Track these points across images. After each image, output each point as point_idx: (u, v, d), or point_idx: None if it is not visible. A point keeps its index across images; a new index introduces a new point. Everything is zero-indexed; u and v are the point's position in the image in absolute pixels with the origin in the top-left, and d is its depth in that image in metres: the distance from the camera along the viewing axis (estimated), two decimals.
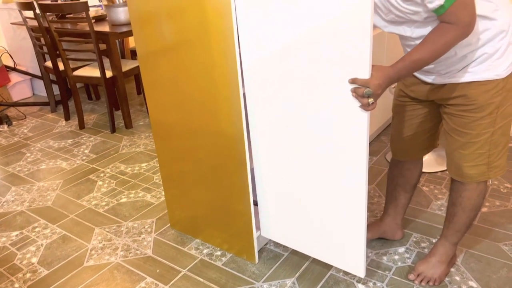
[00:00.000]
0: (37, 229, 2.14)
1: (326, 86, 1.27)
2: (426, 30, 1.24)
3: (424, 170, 2.35)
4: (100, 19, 3.44)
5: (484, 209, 2.02)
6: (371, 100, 1.19)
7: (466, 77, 1.32)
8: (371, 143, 2.69)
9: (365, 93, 1.18)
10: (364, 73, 1.18)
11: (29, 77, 4.10)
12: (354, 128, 1.27)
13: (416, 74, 1.45)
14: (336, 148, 1.35)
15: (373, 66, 1.18)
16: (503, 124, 1.37)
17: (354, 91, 1.21)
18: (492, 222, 1.93)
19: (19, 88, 4.10)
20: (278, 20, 1.28)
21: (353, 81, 1.20)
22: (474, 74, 1.31)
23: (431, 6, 1.14)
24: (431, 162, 2.41)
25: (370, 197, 2.17)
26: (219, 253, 1.87)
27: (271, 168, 1.57)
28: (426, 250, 1.80)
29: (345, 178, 1.38)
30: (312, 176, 1.46)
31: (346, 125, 1.29)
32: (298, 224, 1.61)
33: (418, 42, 1.25)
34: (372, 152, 2.59)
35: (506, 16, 1.27)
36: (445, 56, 1.27)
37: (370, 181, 2.30)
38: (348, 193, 1.40)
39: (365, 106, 1.21)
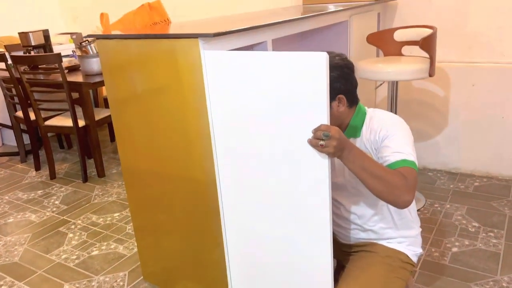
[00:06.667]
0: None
1: (289, 138, 1.32)
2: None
3: None
4: (73, 69, 3.46)
5: (454, 249, 2.06)
6: (322, 143, 1.22)
7: None
8: None
9: (323, 134, 1.22)
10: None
11: None
12: (316, 175, 1.31)
13: None
14: (299, 195, 1.37)
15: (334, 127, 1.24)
16: None
17: (313, 132, 1.24)
18: (462, 262, 1.97)
19: None
20: (245, 79, 1.34)
21: (318, 127, 1.23)
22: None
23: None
24: None
25: None
26: None
27: (239, 222, 1.57)
28: None
29: (309, 219, 1.40)
30: (279, 229, 1.47)
31: (308, 175, 1.32)
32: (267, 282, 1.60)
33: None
34: None
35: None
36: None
37: None
38: (314, 244, 1.41)
39: (315, 144, 1.23)
